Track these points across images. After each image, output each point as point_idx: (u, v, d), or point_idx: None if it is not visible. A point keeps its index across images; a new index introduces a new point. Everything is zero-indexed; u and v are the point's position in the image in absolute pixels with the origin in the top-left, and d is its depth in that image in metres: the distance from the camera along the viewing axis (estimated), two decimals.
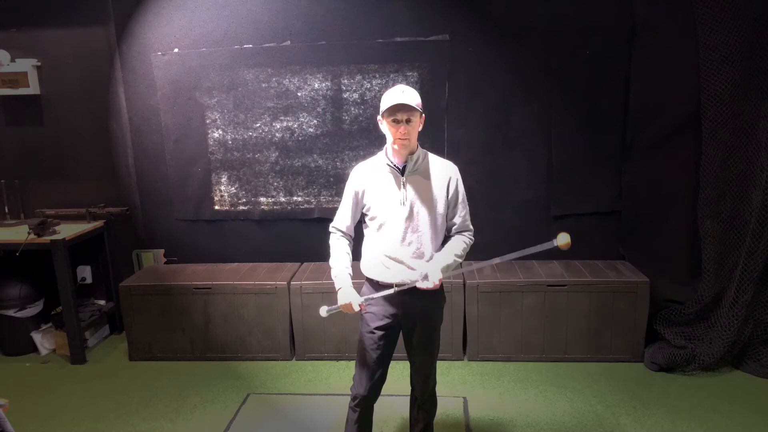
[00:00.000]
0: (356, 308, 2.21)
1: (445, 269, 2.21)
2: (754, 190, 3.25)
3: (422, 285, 2.16)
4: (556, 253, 3.95)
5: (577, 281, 3.54)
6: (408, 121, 2.14)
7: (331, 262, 2.33)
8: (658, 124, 3.60)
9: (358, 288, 2.39)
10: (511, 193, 3.92)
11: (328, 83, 3.88)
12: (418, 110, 2.15)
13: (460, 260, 2.27)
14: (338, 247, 2.35)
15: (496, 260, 2.24)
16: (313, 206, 4.08)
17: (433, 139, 3.77)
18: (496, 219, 3.93)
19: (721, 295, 3.44)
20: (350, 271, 2.31)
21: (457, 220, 2.32)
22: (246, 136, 4.01)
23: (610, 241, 3.94)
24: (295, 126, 3.96)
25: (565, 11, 3.61)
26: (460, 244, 2.30)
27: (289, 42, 3.83)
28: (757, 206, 3.21)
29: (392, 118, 2.14)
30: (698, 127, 3.39)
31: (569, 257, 3.92)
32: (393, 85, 2.52)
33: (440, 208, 2.25)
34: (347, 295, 2.23)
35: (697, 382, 3.35)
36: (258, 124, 3.98)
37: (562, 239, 2.05)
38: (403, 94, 2.13)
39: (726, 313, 3.37)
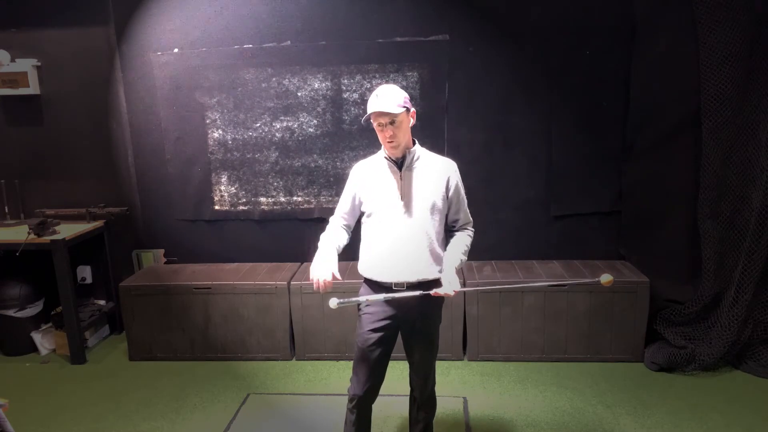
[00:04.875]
0: (320, 283, 2.13)
1: (458, 270, 2.23)
2: (754, 190, 3.25)
3: (441, 292, 2.15)
4: (556, 254, 3.96)
5: (577, 281, 3.54)
6: (392, 122, 2.15)
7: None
8: (658, 124, 3.59)
9: (356, 289, 2.39)
10: (511, 193, 3.92)
11: (328, 83, 3.88)
12: (398, 111, 2.13)
13: (465, 257, 2.29)
14: (330, 228, 2.38)
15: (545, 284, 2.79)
16: (313, 206, 4.08)
17: (433, 139, 3.77)
18: (496, 219, 3.93)
19: (721, 295, 3.44)
20: (336, 245, 2.29)
21: (461, 215, 2.34)
22: (246, 136, 4.01)
23: (610, 241, 3.94)
24: (295, 126, 3.96)
25: (565, 11, 3.61)
26: (464, 239, 2.32)
27: (289, 42, 3.83)
28: (757, 206, 3.20)
29: (376, 122, 2.18)
30: (698, 127, 3.38)
31: (569, 257, 3.92)
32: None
33: (438, 204, 2.25)
34: (317, 265, 2.17)
35: (697, 382, 3.35)
36: (258, 124, 3.98)
37: (605, 278, 2.25)
38: (378, 98, 2.14)
39: (726, 313, 3.37)
